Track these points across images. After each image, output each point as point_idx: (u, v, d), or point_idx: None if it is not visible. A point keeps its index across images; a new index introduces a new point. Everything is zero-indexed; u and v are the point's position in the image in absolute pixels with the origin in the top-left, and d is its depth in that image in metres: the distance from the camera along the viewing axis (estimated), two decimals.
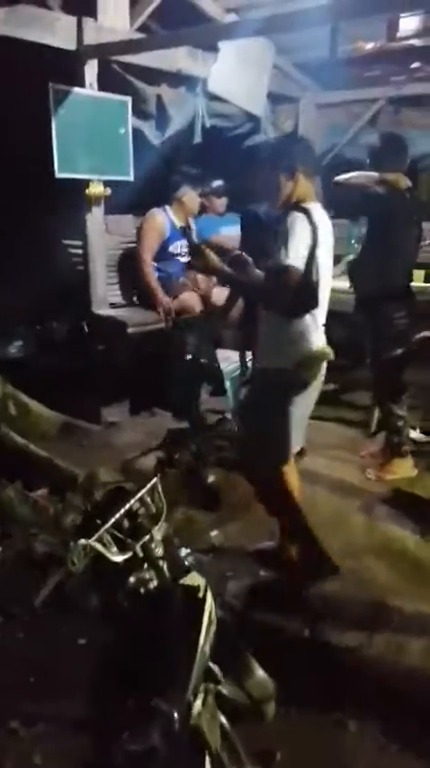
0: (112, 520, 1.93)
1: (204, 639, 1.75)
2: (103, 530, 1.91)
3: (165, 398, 4.92)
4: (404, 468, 3.78)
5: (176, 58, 4.92)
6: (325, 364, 2.74)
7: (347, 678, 2.47)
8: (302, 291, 2.59)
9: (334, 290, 2.76)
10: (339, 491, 3.68)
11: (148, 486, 2.02)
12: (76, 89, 4.29)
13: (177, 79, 5.03)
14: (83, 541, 1.87)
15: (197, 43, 4.84)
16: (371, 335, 3.68)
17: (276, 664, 2.13)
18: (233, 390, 4.16)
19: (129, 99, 4.61)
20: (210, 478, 3.29)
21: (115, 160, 4.62)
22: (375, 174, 3.51)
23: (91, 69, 4.35)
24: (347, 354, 5.24)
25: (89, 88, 4.36)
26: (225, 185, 5.60)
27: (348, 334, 5.53)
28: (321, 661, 2.55)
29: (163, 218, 5.06)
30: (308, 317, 2.69)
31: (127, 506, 1.97)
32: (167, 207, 5.13)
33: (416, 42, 4.35)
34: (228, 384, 4.14)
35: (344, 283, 3.85)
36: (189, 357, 4.38)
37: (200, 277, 5.20)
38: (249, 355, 4.02)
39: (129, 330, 4.53)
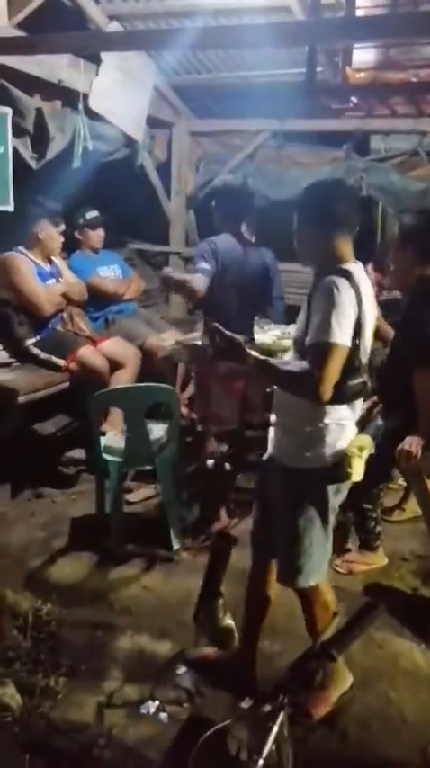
0: None
1: None
2: None
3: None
4: (376, 558, 3.32)
5: (58, 67, 4.11)
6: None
7: None
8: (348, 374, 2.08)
9: None
10: None
11: (275, 728, 1.28)
12: None
13: (58, 91, 4.20)
14: None
15: (88, 50, 4.06)
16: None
17: None
18: (165, 474, 3.41)
19: (9, 110, 3.70)
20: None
21: None
22: None
23: None
24: None
25: None
26: (101, 216, 4.82)
27: None
28: None
29: (26, 262, 4.09)
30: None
31: None
32: (21, 248, 4.15)
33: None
34: (158, 468, 3.38)
35: None
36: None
37: (78, 317, 4.35)
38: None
39: (20, 399, 3.59)
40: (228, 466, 2.81)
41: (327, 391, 2.02)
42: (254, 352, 2.16)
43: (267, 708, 1.31)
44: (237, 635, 1.95)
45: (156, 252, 6.16)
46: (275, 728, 1.28)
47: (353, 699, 2.54)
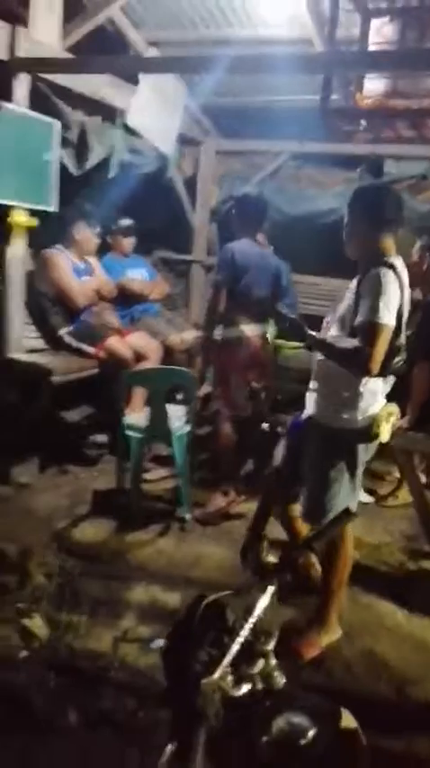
0: (233, 651, 1.52)
1: None
2: (226, 662, 1.49)
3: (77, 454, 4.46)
4: None
5: (100, 85, 4.55)
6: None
7: None
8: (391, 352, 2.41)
9: None
10: None
11: (266, 598, 1.62)
12: (4, 103, 3.75)
13: (99, 107, 4.64)
14: (210, 681, 1.44)
15: (127, 72, 4.51)
16: None
17: None
18: (181, 452, 3.77)
19: (57, 122, 4.13)
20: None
21: (38, 187, 4.09)
22: None
23: (21, 84, 3.83)
24: None
25: (16, 104, 3.83)
26: (133, 225, 5.24)
27: None
28: None
29: (64, 259, 4.55)
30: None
31: (245, 632, 1.56)
32: (60, 246, 4.62)
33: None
34: (175, 445, 3.74)
35: None
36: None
37: (107, 311, 4.74)
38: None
39: (55, 378, 3.98)
40: (280, 429, 3.23)
41: (377, 366, 2.34)
42: (312, 332, 2.53)
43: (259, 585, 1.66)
44: None
45: (179, 260, 6.56)
46: (265, 598, 1.62)
47: (340, 647, 2.86)
